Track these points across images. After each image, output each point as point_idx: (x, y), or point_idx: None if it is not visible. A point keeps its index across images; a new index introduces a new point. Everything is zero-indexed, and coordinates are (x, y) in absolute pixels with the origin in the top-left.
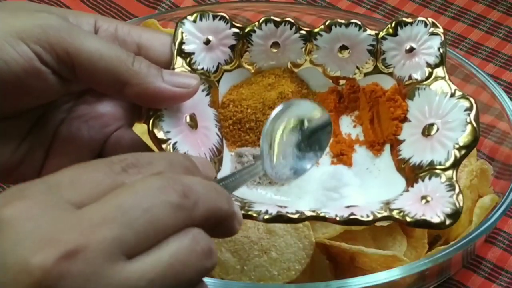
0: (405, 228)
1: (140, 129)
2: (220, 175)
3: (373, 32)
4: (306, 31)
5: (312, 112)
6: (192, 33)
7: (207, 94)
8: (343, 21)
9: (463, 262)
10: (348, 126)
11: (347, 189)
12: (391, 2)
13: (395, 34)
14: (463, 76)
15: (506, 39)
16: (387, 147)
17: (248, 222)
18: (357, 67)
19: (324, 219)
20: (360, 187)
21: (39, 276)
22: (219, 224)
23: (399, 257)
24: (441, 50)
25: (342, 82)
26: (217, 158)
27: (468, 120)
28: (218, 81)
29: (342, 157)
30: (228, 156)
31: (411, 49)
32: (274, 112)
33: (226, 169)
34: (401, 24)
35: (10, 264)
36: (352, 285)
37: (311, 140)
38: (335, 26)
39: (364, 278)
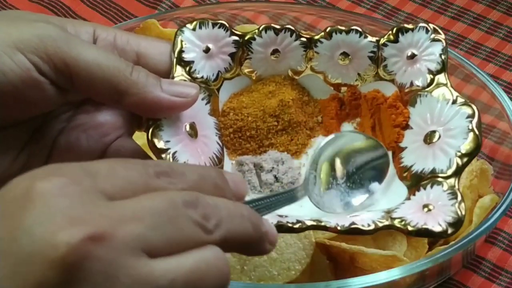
0: None
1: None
2: None
3: (374, 39)
4: (306, 38)
5: (366, 145)
6: (191, 41)
7: (207, 103)
8: (343, 28)
9: (463, 262)
10: None
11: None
12: (391, 2)
13: (396, 40)
14: (463, 76)
15: (506, 39)
16: (389, 155)
17: None
18: (358, 74)
19: (325, 228)
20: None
21: (65, 252)
22: (246, 247)
23: (399, 257)
24: (443, 57)
25: (343, 89)
26: (217, 167)
27: (470, 128)
28: (218, 89)
29: None
30: (229, 164)
31: (413, 56)
32: (325, 140)
33: None
34: (402, 30)
35: (38, 236)
36: (352, 285)
37: (364, 174)
38: (336, 33)
39: (364, 278)
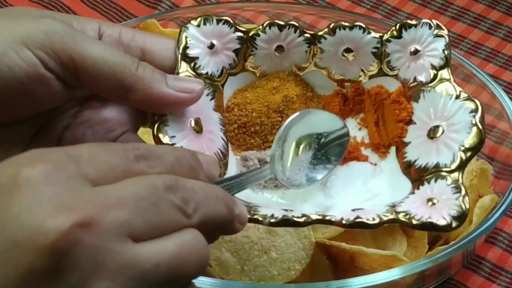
0: (405, 228)
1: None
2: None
3: (377, 35)
4: (310, 34)
5: (330, 122)
6: (196, 37)
7: (211, 99)
8: (347, 24)
9: (463, 262)
10: (353, 129)
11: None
12: (391, 2)
13: (399, 36)
14: (463, 76)
15: (506, 39)
16: (393, 150)
17: None
18: (362, 70)
19: (330, 222)
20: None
21: (54, 239)
22: (219, 228)
23: (399, 257)
24: (446, 52)
25: (346, 85)
26: (222, 162)
27: (474, 122)
28: (223, 85)
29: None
30: (233, 160)
31: (416, 51)
32: (290, 118)
33: (232, 173)
34: (406, 26)
35: (26, 223)
36: (352, 285)
37: (327, 150)
38: (339, 29)
39: (364, 278)
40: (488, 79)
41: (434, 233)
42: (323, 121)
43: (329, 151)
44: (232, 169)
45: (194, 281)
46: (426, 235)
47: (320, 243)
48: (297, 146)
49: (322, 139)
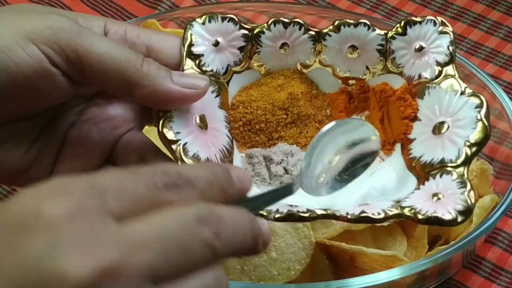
0: (405, 228)
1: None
2: None
3: (382, 32)
4: (315, 31)
5: (365, 134)
6: (201, 35)
7: (216, 96)
8: (351, 21)
9: (463, 262)
10: None
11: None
12: (391, 2)
13: (404, 33)
14: (463, 76)
15: (506, 39)
16: (398, 147)
17: None
18: (367, 67)
19: (335, 217)
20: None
21: (75, 287)
22: (241, 254)
23: (399, 257)
24: (451, 49)
25: (351, 82)
26: (227, 160)
27: (479, 118)
28: (228, 82)
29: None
30: (238, 157)
31: (421, 48)
32: (326, 127)
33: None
34: (410, 23)
35: (45, 267)
36: (352, 285)
37: (356, 165)
38: (344, 26)
39: (364, 278)
40: (488, 79)
41: (434, 232)
42: (359, 132)
43: (358, 166)
44: (237, 165)
45: None
46: (426, 235)
47: (320, 243)
48: (329, 156)
49: (356, 153)
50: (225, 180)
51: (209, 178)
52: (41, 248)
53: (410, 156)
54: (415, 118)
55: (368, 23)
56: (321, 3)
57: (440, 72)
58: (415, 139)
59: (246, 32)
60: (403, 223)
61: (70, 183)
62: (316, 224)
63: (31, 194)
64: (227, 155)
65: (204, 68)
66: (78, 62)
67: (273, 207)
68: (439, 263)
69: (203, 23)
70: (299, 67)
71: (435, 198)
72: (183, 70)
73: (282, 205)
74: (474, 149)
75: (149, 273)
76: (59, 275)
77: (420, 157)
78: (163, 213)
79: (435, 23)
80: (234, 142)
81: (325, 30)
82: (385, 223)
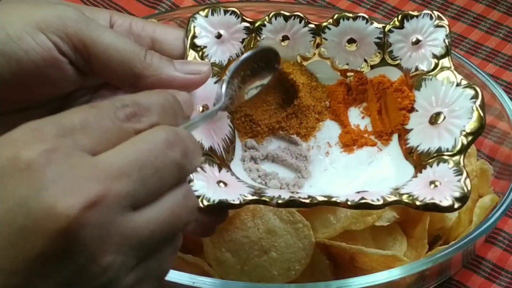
0: (405, 228)
1: None
2: (232, 163)
3: (380, 25)
4: (315, 25)
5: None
6: (204, 27)
7: None
8: (350, 15)
9: (463, 262)
10: (356, 117)
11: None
12: (391, 2)
13: (401, 26)
14: (463, 76)
15: (506, 39)
16: (395, 137)
17: (248, 222)
18: (365, 60)
19: (335, 203)
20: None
21: (65, 223)
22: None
23: (399, 257)
24: (447, 42)
25: (350, 74)
26: (229, 148)
27: (474, 108)
28: None
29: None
30: (239, 145)
31: (417, 41)
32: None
33: (238, 158)
34: (407, 17)
35: (34, 208)
36: (352, 285)
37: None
38: (343, 20)
39: (364, 278)
40: (488, 79)
41: (434, 232)
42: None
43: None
44: (238, 154)
45: (194, 282)
46: (426, 235)
47: (320, 243)
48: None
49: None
50: (176, 104)
51: (163, 103)
52: (26, 191)
53: (408, 146)
54: (412, 109)
55: (367, 16)
56: (321, 3)
57: (437, 65)
58: (412, 129)
59: (248, 25)
60: (403, 223)
61: (40, 127)
62: (316, 224)
63: (5, 142)
64: (229, 144)
65: (207, 60)
66: (85, 52)
67: (275, 194)
68: (439, 263)
69: (206, 16)
70: (299, 59)
71: (433, 185)
72: None
73: (284, 192)
74: (470, 138)
75: (129, 200)
76: (47, 214)
77: (417, 146)
78: (134, 142)
79: (431, 17)
80: (236, 132)
81: (324, 24)
82: (385, 222)
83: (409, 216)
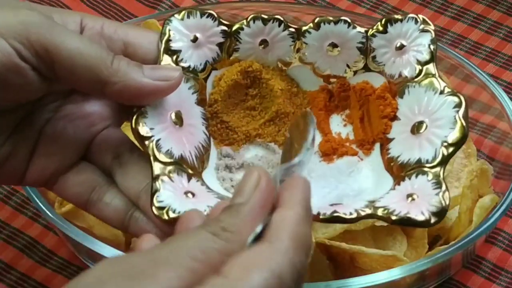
0: (405, 228)
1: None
2: (206, 172)
3: (362, 30)
4: (294, 28)
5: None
6: (179, 30)
7: (194, 92)
8: (331, 18)
9: (463, 262)
10: (338, 125)
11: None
12: (391, 2)
13: (385, 31)
14: (463, 76)
15: (506, 39)
16: (377, 146)
17: None
18: (347, 65)
19: None
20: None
21: None
22: None
23: (399, 257)
24: (432, 47)
25: (332, 80)
26: (203, 156)
27: (457, 117)
28: (206, 79)
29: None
30: (214, 153)
31: (401, 46)
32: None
33: (212, 165)
34: (391, 21)
35: None
36: (352, 285)
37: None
38: (324, 24)
39: (364, 278)
40: (488, 79)
41: (434, 232)
42: None
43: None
44: (213, 163)
45: None
46: (426, 235)
47: (320, 243)
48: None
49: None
50: None
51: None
52: None
53: (389, 156)
54: (394, 118)
55: (349, 20)
56: (321, 3)
57: (421, 71)
58: (394, 138)
59: (225, 28)
60: None
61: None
62: (316, 224)
63: None
64: (203, 152)
65: (181, 64)
66: (47, 58)
67: None
68: (439, 263)
69: (182, 19)
70: (279, 64)
71: (410, 198)
72: None
73: None
74: (451, 149)
75: None
76: None
77: (398, 157)
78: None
79: (416, 21)
80: (212, 139)
81: (304, 28)
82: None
83: None
